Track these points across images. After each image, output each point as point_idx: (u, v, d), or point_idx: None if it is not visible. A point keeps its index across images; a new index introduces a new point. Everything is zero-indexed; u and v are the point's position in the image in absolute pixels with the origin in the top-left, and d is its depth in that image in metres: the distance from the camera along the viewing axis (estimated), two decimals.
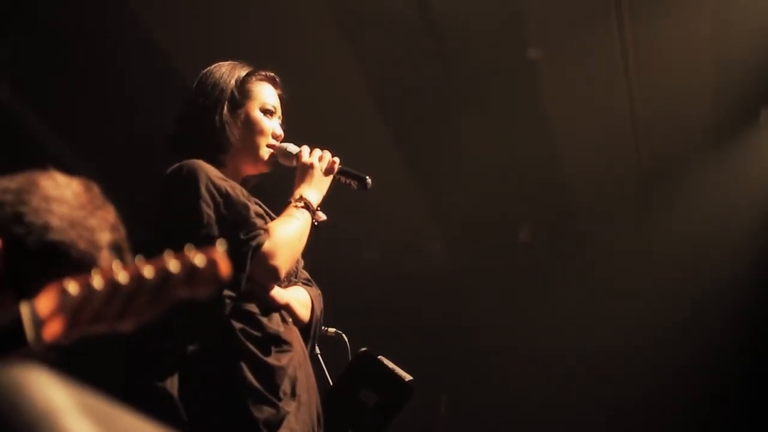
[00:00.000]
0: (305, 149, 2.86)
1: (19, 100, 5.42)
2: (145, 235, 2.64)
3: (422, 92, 5.88)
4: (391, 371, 2.98)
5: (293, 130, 2.94)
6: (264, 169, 2.87)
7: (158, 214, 2.62)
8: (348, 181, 2.92)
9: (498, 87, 5.80)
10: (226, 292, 2.43)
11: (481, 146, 6.25)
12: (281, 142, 2.87)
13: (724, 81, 5.74)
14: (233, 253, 2.42)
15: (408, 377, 2.99)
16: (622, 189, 6.80)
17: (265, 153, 2.83)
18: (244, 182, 2.85)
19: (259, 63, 2.98)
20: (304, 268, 2.92)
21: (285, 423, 2.47)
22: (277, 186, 2.90)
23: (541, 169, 6.58)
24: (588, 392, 6.88)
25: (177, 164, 2.61)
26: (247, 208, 2.55)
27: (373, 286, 7.34)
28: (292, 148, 2.87)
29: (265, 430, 2.42)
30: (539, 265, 7.38)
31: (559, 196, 6.96)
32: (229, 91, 2.80)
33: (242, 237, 2.48)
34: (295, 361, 2.58)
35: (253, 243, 2.49)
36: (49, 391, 0.80)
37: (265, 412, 2.43)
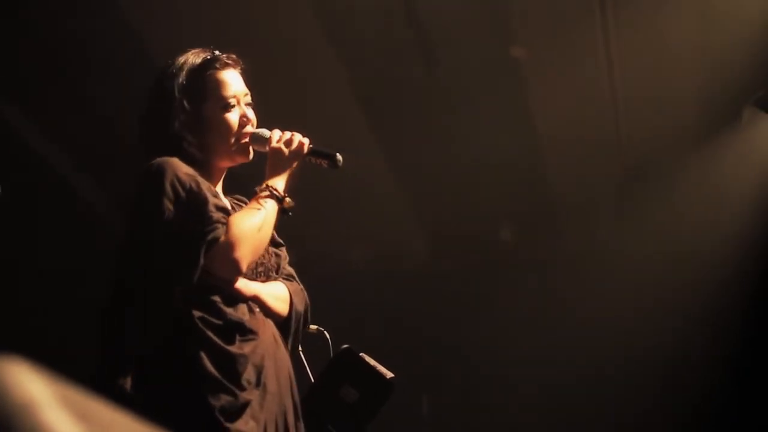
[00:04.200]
0: (275, 133, 2.81)
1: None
2: (124, 233, 2.68)
3: (405, 89, 5.89)
4: (373, 368, 2.99)
5: (275, 126, 2.91)
6: (242, 160, 2.82)
7: (129, 211, 2.66)
8: (319, 160, 2.85)
9: (481, 84, 5.80)
10: (177, 287, 2.45)
11: (463, 143, 6.25)
12: (256, 127, 2.83)
13: (707, 80, 5.77)
14: (186, 248, 2.45)
15: (389, 374, 2.99)
16: (605, 187, 6.83)
17: (235, 145, 2.78)
18: (229, 173, 2.85)
19: (211, 51, 2.88)
20: (290, 264, 2.90)
21: (248, 411, 2.46)
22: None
23: (524, 167, 6.59)
24: (570, 391, 6.89)
25: (147, 164, 2.61)
26: (206, 201, 2.53)
27: (355, 284, 7.33)
28: (264, 132, 2.81)
29: (221, 418, 2.41)
30: (521, 264, 7.40)
31: (542, 194, 6.98)
32: (179, 100, 2.73)
33: (196, 231, 2.48)
34: (261, 350, 2.57)
35: (208, 237, 2.48)
36: (27, 383, 0.80)
37: (222, 400, 2.42)
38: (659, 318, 6.79)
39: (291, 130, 2.84)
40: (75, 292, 5.74)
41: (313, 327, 3.36)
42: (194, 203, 2.52)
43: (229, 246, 2.51)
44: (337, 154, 2.84)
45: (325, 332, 3.33)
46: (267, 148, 2.80)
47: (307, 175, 2.93)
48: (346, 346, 3.05)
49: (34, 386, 0.80)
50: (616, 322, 6.79)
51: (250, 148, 2.82)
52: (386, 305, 7.32)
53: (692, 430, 6.70)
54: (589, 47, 5.57)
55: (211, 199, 2.56)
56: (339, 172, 2.91)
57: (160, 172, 2.54)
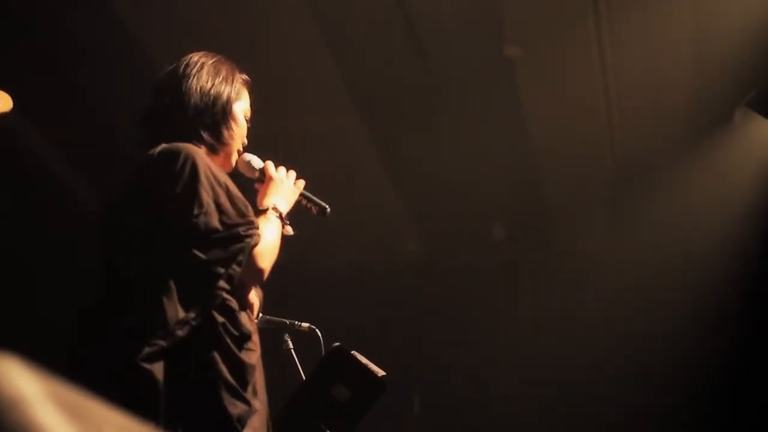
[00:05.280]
0: (270, 164, 2.89)
1: None
2: (128, 215, 2.56)
3: (399, 90, 5.89)
4: (364, 366, 2.98)
5: (272, 130, 2.93)
6: (227, 171, 2.83)
7: (147, 193, 2.52)
8: (309, 204, 2.97)
9: (475, 84, 5.80)
10: (221, 284, 2.41)
11: (457, 144, 6.25)
12: (244, 151, 2.88)
13: (699, 80, 5.77)
14: (231, 246, 2.43)
15: (381, 373, 2.99)
16: (597, 187, 6.83)
17: (235, 157, 2.84)
18: None
19: (235, 61, 2.94)
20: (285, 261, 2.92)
21: (249, 422, 2.46)
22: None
23: (517, 167, 6.59)
24: (562, 390, 6.90)
25: (171, 146, 2.54)
26: (246, 205, 2.55)
27: (348, 283, 7.34)
28: (255, 161, 2.89)
29: (237, 426, 2.42)
30: (514, 263, 7.40)
31: (535, 194, 6.97)
32: (236, 88, 2.79)
33: (241, 233, 2.47)
34: (259, 361, 2.59)
35: (251, 241, 2.49)
36: (18, 379, 0.79)
37: (238, 408, 2.43)
38: (654, 317, 6.79)
39: (286, 138, 2.90)
40: (68, 286, 5.74)
41: (305, 325, 3.36)
42: (236, 203, 2.51)
43: (261, 255, 2.54)
44: (327, 206, 2.99)
45: (317, 330, 3.33)
46: (256, 175, 2.89)
47: (302, 171, 2.96)
48: (337, 344, 3.05)
49: (23, 382, 0.80)
50: (612, 323, 6.80)
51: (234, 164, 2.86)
52: (379, 304, 7.32)
53: (691, 429, 6.70)
54: (582, 49, 5.57)
55: (248, 204, 2.58)
56: (335, 171, 2.95)
57: (192, 162, 2.48)
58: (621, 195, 6.85)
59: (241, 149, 2.85)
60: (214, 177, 2.50)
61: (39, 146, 5.84)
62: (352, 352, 3.03)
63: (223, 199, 2.48)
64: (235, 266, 2.44)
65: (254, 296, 2.68)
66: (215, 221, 2.44)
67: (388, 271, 7.49)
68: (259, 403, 2.53)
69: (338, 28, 5.44)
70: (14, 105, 5.33)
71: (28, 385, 0.80)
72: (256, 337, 2.61)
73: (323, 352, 3.12)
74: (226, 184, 2.52)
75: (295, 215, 2.87)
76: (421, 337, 7.30)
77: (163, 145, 2.55)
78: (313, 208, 2.97)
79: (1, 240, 5.62)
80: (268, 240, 2.59)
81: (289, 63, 5.39)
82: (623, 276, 6.91)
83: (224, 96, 2.75)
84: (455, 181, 6.62)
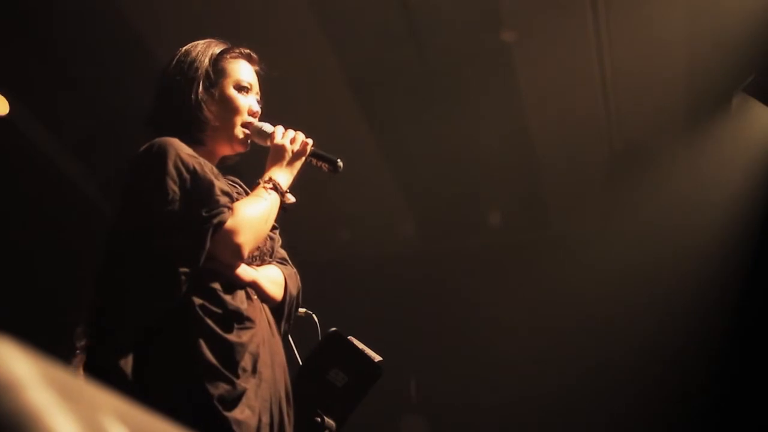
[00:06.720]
0: (279, 129, 2.87)
1: None
2: (113, 212, 2.65)
3: (396, 74, 5.88)
4: (361, 352, 2.98)
5: (267, 113, 2.93)
6: (240, 149, 2.87)
7: (125, 190, 2.61)
8: (320, 163, 2.92)
9: (471, 69, 5.80)
10: (182, 269, 2.42)
11: (454, 128, 6.25)
12: (258, 120, 2.88)
13: (696, 67, 5.77)
14: (193, 230, 2.44)
15: (378, 358, 2.99)
16: (594, 172, 6.83)
17: (240, 132, 2.83)
18: (222, 162, 2.85)
19: (230, 44, 2.96)
20: (282, 247, 2.91)
21: (243, 399, 2.46)
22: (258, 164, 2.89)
23: (514, 152, 6.59)
24: (560, 374, 6.91)
25: (150, 142, 2.60)
26: (212, 185, 2.54)
27: (345, 267, 7.34)
28: (267, 127, 2.87)
29: (219, 407, 2.40)
30: (511, 249, 7.40)
31: (531, 179, 6.97)
32: (203, 70, 2.80)
33: (203, 214, 2.48)
34: (258, 338, 2.57)
35: (215, 220, 2.49)
36: (12, 361, 0.79)
37: (220, 388, 2.41)
38: (651, 306, 6.79)
39: (294, 128, 2.89)
40: (65, 276, 5.74)
41: (302, 310, 3.36)
42: (200, 185, 2.52)
43: (234, 231, 2.53)
44: (339, 160, 2.90)
45: (314, 315, 3.33)
46: (267, 143, 2.86)
47: None
48: (333, 329, 3.05)
49: (18, 365, 0.79)
50: (605, 306, 6.80)
51: (248, 139, 2.86)
52: (375, 290, 7.32)
53: (688, 424, 6.70)
54: (579, 32, 5.56)
55: (216, 183, 2.57)
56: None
57: (162, 152, 2.54)
58: (618, 180, 6.84)
59: (251, 120, 2.85)
60: (183, 164, 2.53)
61: (41, 138, 5.83)
62: (349, 337, 3.03)
63: (190, 185, 2.51)
64: (197, 249, 2.45)
65: (251, 274, 2.66)
66: (178, 208, 2.46)
67: (383, 257, 7.50)
68: (258, 380, 2.52)
69: (335, 12, 5.43)
70: (16, 100, 5.34)
71: (23, 368, 0.79)
72: (256, 313, 2.60)
73: (320, 337, 3.12)
74: (194, 168, 2.54)
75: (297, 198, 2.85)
76: (417, 322, 7.30)
77: (147, 143, 2.61)
78: (323, 166, 2.92)
79: (2, 230, 5.62)
80: (246, 215, 2.58)
81: (284, 48, 5.37)
82: (620, 262, 6.91)
83: (185, 83, 2.78)
84: (451, 167, 6.62)
